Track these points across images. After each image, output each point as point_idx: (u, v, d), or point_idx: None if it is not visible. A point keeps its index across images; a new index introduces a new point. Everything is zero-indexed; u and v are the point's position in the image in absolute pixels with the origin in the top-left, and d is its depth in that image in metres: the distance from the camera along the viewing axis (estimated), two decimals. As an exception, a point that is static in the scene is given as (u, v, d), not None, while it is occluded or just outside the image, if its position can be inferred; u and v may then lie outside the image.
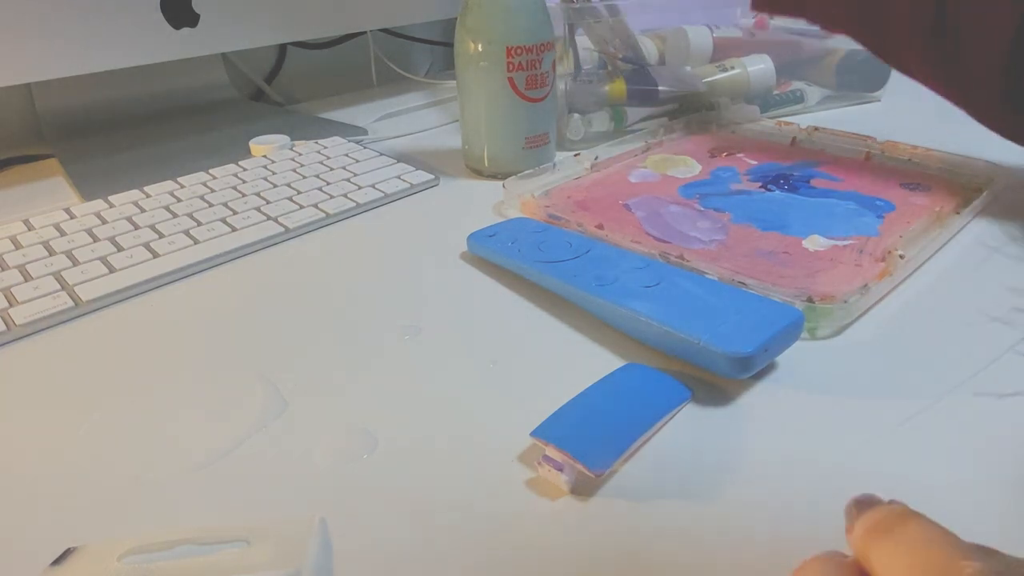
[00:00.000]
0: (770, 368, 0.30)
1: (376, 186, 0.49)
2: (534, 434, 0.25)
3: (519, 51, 0.47)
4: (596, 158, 0.52)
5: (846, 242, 0.39)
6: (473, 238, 0.40)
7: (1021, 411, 0.27)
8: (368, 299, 0.37)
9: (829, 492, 0.24)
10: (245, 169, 0.52)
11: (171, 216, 0.45)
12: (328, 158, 0.54)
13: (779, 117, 0.61)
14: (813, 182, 0.47)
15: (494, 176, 0.52)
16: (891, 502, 0.17)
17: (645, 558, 0.22)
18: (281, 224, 0.44)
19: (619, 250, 0.37)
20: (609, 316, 0.33)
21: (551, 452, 0.24)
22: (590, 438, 0.25)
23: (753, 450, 0.26)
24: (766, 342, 0.28)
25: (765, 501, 0.23)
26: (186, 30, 0.55)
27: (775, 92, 0.64)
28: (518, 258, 0.37)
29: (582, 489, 0.24)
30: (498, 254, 0.38)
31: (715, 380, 0.29)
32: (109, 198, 0.47)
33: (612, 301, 0.32)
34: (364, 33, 0.82)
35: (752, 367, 0.28)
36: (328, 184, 0.49)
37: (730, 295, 0.32)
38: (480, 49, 0.48)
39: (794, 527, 0.22)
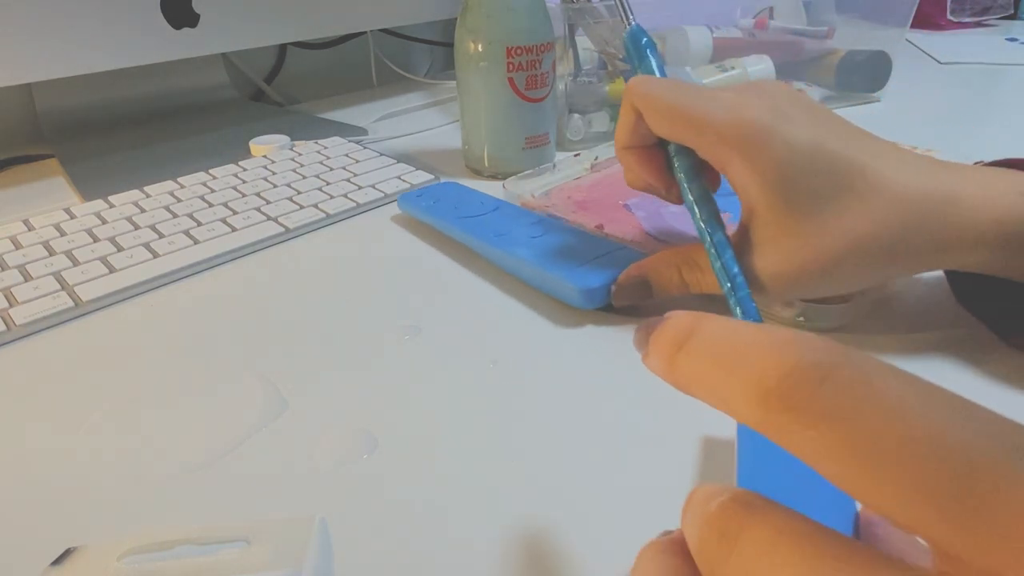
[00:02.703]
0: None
1: (376, 186, 0.49)
2: None
3: (519, 51, 0.47)
4: (596, 158, 0.52)
5: (846, 242, 0.38)
6: (403, 199, 0.45)
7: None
8: (368, 299, 0.37)
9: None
10: (245, 169, 0.52)
11: (171, 216, 0.45)
12: (328, 158, 0.54)
13: (779, 117, 0.61)
14: (813, 182, 0.47)
15: (494, 176, 0.52)
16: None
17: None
18: (281, 224, 0.44)
19: (521, 209, 0.42)
20: (500, 262, 0.38)
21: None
22: None
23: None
24: (612, 279, 0.33)
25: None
26: (186, 30, 0.55)
27: (775, 92, 0.64)
28: (438, 215, 0.42)
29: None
30: (424, 213, 0.43)
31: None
32: (109, 198, 0.47)
33: (502, 249, 0.37)
34: (364, 33, 0.82)
35: (598, 299, 0.33)
36: (328, 184, 0.49)
37: (598, 244, 0.36)
38: (480, 49, 0.48)
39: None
